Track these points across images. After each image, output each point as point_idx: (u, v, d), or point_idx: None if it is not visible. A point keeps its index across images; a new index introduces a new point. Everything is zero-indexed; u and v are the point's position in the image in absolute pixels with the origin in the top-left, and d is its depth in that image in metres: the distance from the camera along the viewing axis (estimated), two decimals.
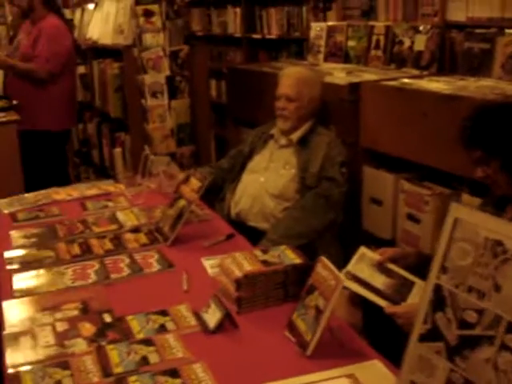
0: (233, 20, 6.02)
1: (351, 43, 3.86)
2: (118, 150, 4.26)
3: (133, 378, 1.45)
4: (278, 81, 2.94)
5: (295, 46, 5.20)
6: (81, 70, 4.80)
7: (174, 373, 1.46)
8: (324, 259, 1.58)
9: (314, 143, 2.82)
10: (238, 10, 5.90)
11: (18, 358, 1.58)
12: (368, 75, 3.29)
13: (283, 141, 2.89)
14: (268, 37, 5.52)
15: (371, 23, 3.73)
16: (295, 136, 2.86)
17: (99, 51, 4.52)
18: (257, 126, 3.22)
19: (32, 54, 4.04)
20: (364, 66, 3.69)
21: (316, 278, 1.58)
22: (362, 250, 2.02)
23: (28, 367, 1.53)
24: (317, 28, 4.15)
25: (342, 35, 3.94)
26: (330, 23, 4.09)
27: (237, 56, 6.07)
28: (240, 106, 4.06)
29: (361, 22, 3.84)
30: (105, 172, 4.58)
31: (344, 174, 2.76)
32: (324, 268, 1.56)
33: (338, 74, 3.35)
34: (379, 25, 3.65)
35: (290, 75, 2.94)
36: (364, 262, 1.98)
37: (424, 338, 1.27)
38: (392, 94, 2.85)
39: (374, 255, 1.99)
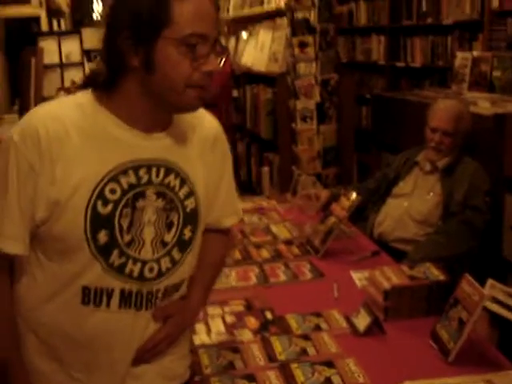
0: (377, 48, 6.23)
1: (496, 73, 3.94)
2: (265, 169, 4.60)
3: (294, 364, 1.70)
4: (433, 112, 2.97)
5: (439, 75, 5.30)
6: (234, 93, 5.20)
7: (329, 364, 1.69)
8: (468, 276, 1.74)
9: (459, 171, 2.90)
10: (382, 38, 6.10)
11: (195, 340, 1.88)
12: None
13: (429, 168, 2.99)
14: (412, 65, 5.66)
15: None
16: (441, 164, 2.94)
17: (252, 77, 4.87)
18: (399, 151, 3.35)
19: None
20: (509, 96, 3.74)
21: (460, 293, 1.75)
22: (490, 282, 2.16)
23: (204, 349, 1.82)
24: (462, 57, 4.25)
25: (488, 65, 4.02)
26: (476, 53, 4.18)
27: (379, 83, 6.25)
28: (383, 131, 4.24)
29: (507, 53, 3.92)
30: (251, 188, 4.92)
31: (487, 202, 2.83)
32: (468, 284, 1.72)
33: (483, 104, 3.43)
34: None
35: (448, 110, 2.95)
36: (498, 290, 2.12)
37: None
38: None
39: (503, 287, 2.12)
